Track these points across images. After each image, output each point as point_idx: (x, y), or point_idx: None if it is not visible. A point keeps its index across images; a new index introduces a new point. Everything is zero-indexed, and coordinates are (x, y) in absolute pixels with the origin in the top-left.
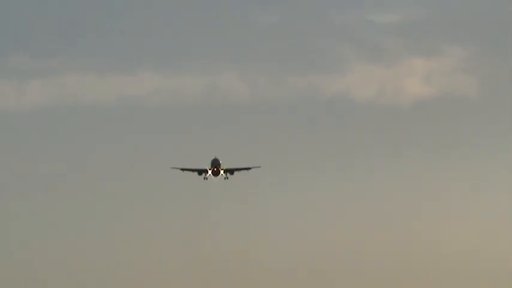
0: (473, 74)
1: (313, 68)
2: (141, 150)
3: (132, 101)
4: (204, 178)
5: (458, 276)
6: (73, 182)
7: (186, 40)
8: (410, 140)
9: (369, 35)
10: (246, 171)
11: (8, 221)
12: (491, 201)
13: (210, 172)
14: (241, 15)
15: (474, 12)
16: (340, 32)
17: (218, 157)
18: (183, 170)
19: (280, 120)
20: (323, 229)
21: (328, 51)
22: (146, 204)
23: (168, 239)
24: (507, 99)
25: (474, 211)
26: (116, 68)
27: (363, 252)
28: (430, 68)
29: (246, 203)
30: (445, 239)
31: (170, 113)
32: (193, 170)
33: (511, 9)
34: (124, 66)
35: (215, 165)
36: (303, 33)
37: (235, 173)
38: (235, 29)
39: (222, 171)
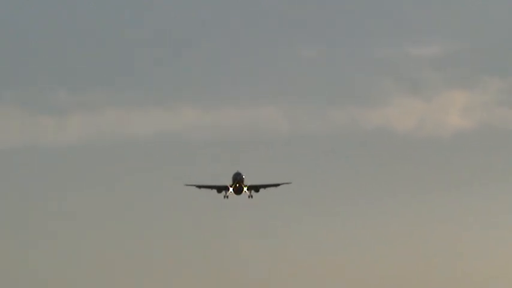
0: None
1: (353, 101)
2: (178, 183)
3: (172, 135)
4: (225, 196)
5: None
6: (111, 215)
7: (226, 74)
8: (450, 172)
9: (408, 68)
10: (274, 188)
11: (49, 255)
12: None
13: (231, 189)
14: (281, 49)
15: None
16: (379, 65)
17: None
18: (199, 187)
19: (319, 152)
20: (357, 256)
21: (368, 85)
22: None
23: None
24: None
25: None
26: (156, 102)
27: (397, 280)
28: (469, 100)
29: (273, 226)
30: (489, 272)
31: (209, 147)
32: (211, 187)
33: None
34: (163, 100)
35: (237, 180)
36: (343, 67)
37: (261, 190)
38: (275, 63)
39: (245, 188)
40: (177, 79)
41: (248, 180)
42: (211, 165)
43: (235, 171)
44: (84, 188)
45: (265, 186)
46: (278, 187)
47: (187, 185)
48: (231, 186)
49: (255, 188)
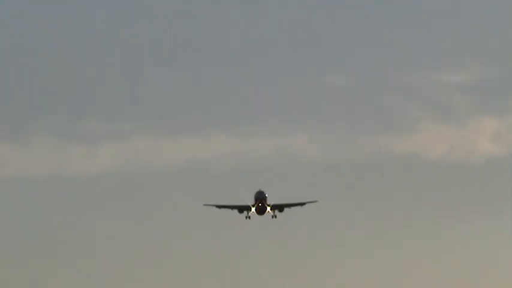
0: None
1: (383, 128)
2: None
3: (203, 163)
4: (246, 217)
5: None
6: (141, 241)
7: (256, 102)
8: (481, 197)
9: (438, 94)
10: (299, 207)
11: (78, 278)
12: None
13: (253, 209)
14: (311, 77)
15: None
16: (410, 92)
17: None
18: (219, 207)
19: (349, 178)
20: (386, 278)
21: (399, 111)
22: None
23: None
24: None
25: None
26: (187, 130)
27: None
28: (500, 126)
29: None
30: None
31: (240, 175)
32: (232, 207)
33: None
34: (194, 129)
35: (260, 199)
36: (374, 94)
37: (286, 209)
38: (306, 90)
39: (268, 208)
40: (205, 107)
41: (271, 199)
42: (238, 190)
43: (258, 189)
44: (114, 215)
45: (290, 206)
46: (304, 206)
47: (206, 205)
48: (253, 206)
49: (279, 208)
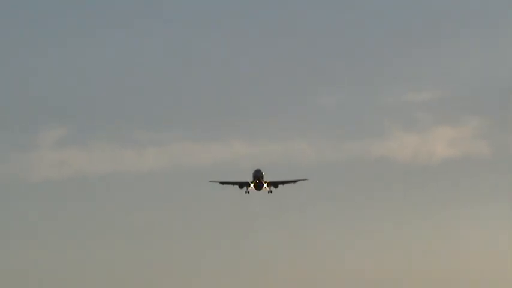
0: (488, 139)
1: (363, 135)
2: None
3: (224, 164)
4: (246, 192)
5: None
6: (176, 226)
7: (265, 117)
8: (439, 193)
9: (405, 109)
10: (291, 184)
11: (120, 280)
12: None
13: (252, 185)
14: (307, 96)
15: (487, 90)
16: (384, 107)
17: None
18: (222, 183)
19: (336, 173)
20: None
21: (375, 123)
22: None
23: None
24: None
25: (497, 264)
26: (212, 138)
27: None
28: (454, 135)
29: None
30: None
31: (251, 169)
32: (233, 183)
33: None
34: (218, 136)
35: (258, 177)
36: (355, 109)
37: (280, 186)
38: (302, 107)
39: (265, 184)
40: (228, 119)
41: (268, 177)
42: (244, 175)
43: (256, 168)
44: (157, 205)
45: (283, 183)
46: (296, 183)
47: (211, 181)
48: (251, 183)
49: (274, 184)
